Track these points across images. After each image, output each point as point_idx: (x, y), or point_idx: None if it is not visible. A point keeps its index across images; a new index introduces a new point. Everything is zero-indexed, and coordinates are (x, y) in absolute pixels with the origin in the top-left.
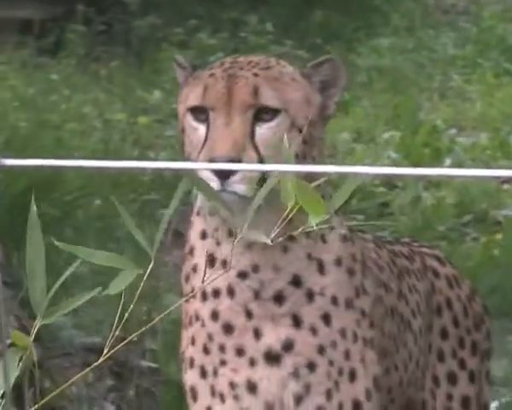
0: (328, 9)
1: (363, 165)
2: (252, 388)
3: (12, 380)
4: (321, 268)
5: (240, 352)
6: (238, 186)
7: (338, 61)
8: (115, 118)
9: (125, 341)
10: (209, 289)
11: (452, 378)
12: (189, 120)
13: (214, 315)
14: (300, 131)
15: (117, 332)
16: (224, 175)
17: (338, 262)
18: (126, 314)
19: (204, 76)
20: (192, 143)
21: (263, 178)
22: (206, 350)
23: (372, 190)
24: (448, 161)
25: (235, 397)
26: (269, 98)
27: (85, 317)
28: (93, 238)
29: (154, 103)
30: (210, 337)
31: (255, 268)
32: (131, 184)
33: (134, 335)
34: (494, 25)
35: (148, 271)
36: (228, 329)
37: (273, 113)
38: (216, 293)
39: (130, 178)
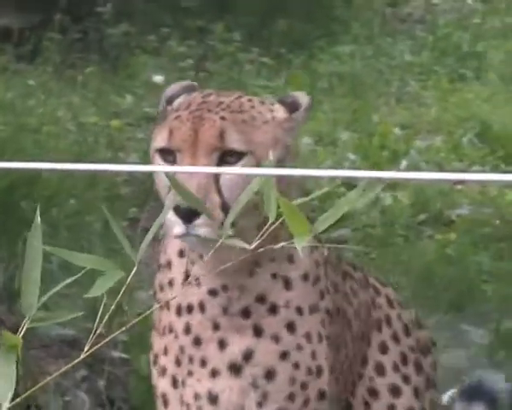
0: (291, 18)
1: (325, 166)
2: (213, 399)
3: (13, 382)
4: (287, 284)
5: (204, 363)
6: (202, 229)
7: (304, 95)
8: (89, 121)
9: (108, 338)
10: (184, 304)
11: (395, 391)
12: (158, 161)
13: (187, 329)
14: None
15: (99, 330)
16: (188, 219)
17: (305, 277)
18: (107, 315)
19: (171, 117)
20: (160, 183)
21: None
22: (177, 362)
23: (333, 191)
24: (404, 163)
25: (199, 408)
26: (234, 141)
27: (59, 310)
28: (66, 235)
29: (126, 107)
30: (182, 350)
31: (224, 288)
32: (104, 182)
33: (118, 332)
34: (449, 32)
35: (132, 275)
36: (197, 341)
37: (238, 155)
38: (189, 308)
39: (102, 177)
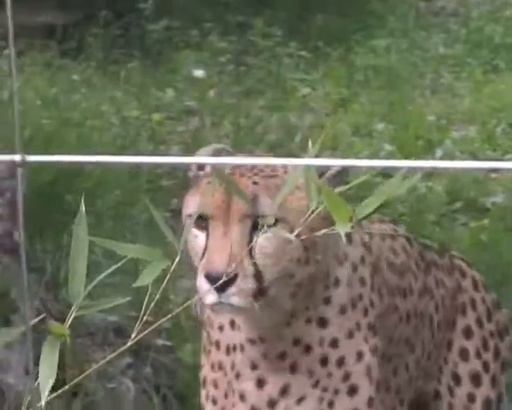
0: (328, 13)
1: (362, 157)
2: None
3: (55, 370)
4: (322, 323)
5: (243, 397)
6: (235, 298)
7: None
8: (131, 115)
9: (154, 325)
10: (231, 345)
11: (476, 379)
12: (190, 227)
13: (232, 366)
14: (301, 238)
15: (145, 317)
16: (221, 288)
17: (342, 310)
18: (153, 303)
19: (204, 182)
20: (193, 249)
21: (259, 289)
22: (226, 395)
23: (369, 180)
24: (439, 153)
25: None
26: (267, 208)
27: (103, 298)
28: (110, 226)
29: (167, 101)
30: (229, 384)
31: (261, 338)
32: (146, 174)
33: (164, 319)
34: (482, 25)
35: (175, 263)
36: (238, 376)
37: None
38: (234, 348)
39: (145, 170)
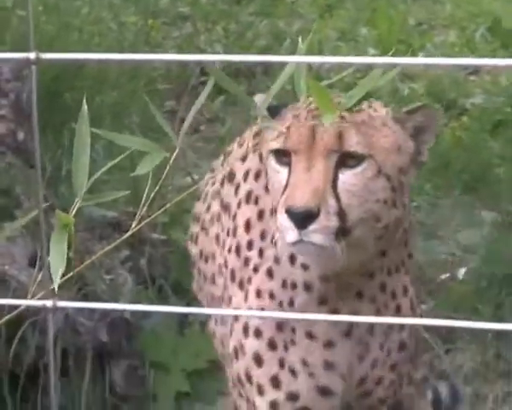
0: None
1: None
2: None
3: (64, 258)
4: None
5: (310, 335)
6: (316, 236)
7: (432, 108)
8: (129, 20)
9: (149, 218)
10: (288, 281)
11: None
12: (272, 163)
13: (290, 303)
14: (389, 178)
15: (144, 210)
16: (302, 224)
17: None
18: (152, 194)
19: (288, 117)
20: (273, 185)
21: (342, 229)
22: (280, 329)
23: (354, 81)
24: (421, 56)
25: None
26: (354, 144)
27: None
28: (109, 123)
29: (162, 7)
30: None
31: (337, 275)
32: (142, 77)
33: (159, 212)
34: None
35: (174, 156)
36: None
37: (358, 159)
38: (294, 286)
39: (141, 71)
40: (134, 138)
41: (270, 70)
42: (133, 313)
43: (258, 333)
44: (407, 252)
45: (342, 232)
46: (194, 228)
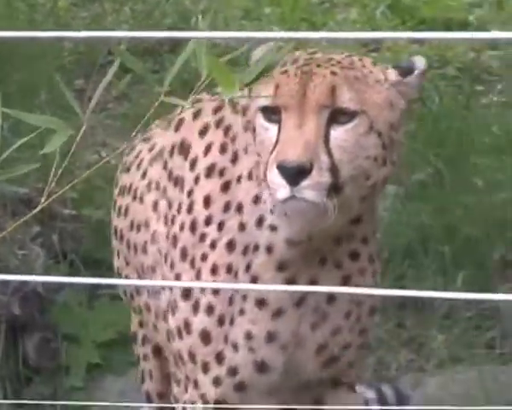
0: None
1: (251, 38)
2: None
3: None
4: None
5: (261, 303)
6: (309, 192)
7: (423, 68)
8: (38, 1)
9: (57, 194)
10: (251, 245)
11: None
12: (260, 120)
13: (247, 268)
14: (380, 135)
15: (53, 185)
16: (294, 180)
17: (373, 210)
18: (60, 170)
19: (276, 73)
20: (263, 143)
21: (334, 185)
22: (230, 303)
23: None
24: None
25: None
26: (346, 100)
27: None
28: (18, 101)
29: None
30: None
31: (308, 239)
32: (53, 56)
33: (67, 187)
34: None
35: (81, 133)
36: (254, 280)
37: (350, 115)
38: (256, 248)
39: (50, 51)
40: (42, 117)
41: (177, 48)
42: (45, 286)
43: (209, 310)
44: (375, 224)
45: (334, 189)
46: (124, 201)
